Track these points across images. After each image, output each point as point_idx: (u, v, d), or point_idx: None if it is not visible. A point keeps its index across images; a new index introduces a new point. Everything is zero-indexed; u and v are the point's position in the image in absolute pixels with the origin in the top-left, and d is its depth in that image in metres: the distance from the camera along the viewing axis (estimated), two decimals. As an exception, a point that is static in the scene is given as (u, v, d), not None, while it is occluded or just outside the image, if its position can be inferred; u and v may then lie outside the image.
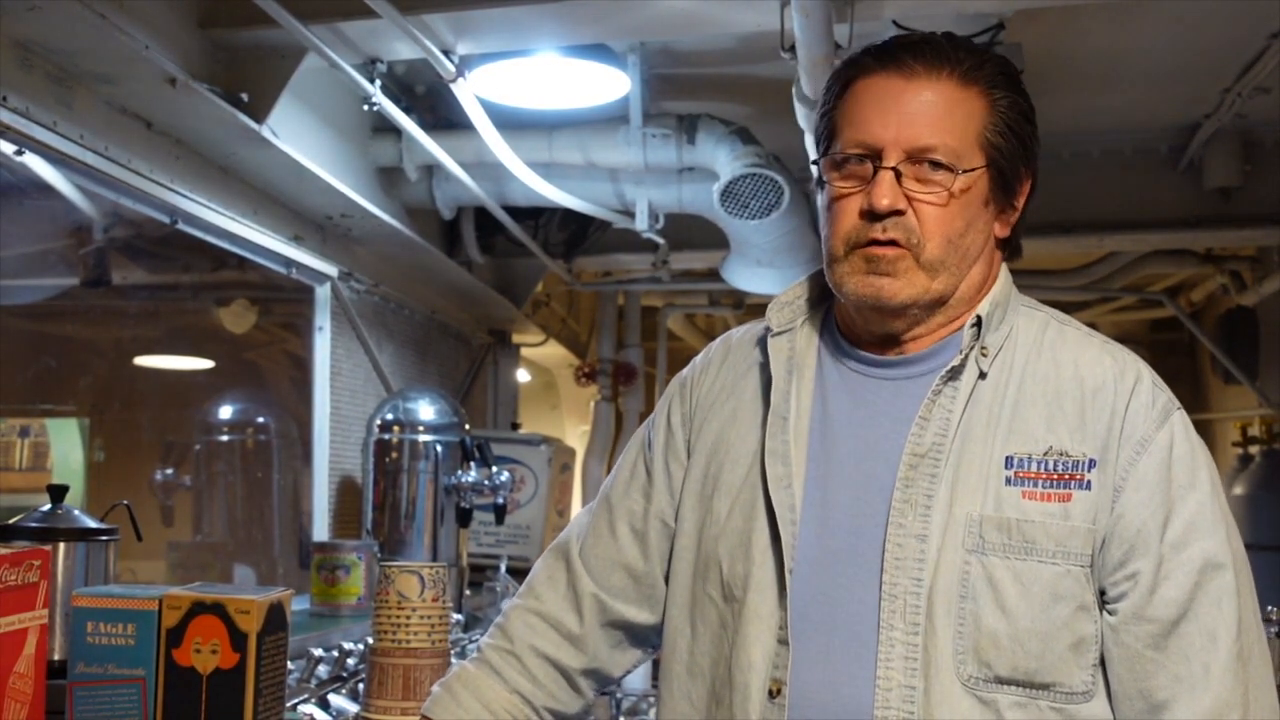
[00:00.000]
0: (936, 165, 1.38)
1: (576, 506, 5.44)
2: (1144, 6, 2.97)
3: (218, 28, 2.59)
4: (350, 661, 2.50)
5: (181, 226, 2.87)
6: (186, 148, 2.78)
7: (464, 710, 1.54)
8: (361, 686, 1.96)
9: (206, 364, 4.60)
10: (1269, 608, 3.14)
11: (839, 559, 1.39)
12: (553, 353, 6.25)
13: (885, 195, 1.37)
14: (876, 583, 1.36)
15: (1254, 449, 5.69)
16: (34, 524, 1.94)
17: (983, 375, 1.41)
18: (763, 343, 1.54)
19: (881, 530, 1.37)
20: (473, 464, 3.46)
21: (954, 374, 1.41)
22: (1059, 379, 1.41)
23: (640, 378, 6.14)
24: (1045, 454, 1.36)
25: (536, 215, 4.31)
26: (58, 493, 2.00)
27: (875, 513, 1.38)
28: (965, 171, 1.38)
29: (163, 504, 4.08)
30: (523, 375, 6.01)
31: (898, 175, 1.38)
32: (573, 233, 4.53)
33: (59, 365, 4.01)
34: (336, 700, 2.32)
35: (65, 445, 3.96)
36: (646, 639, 1.63)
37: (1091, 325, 1.53)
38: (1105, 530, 1.35)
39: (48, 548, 1.56)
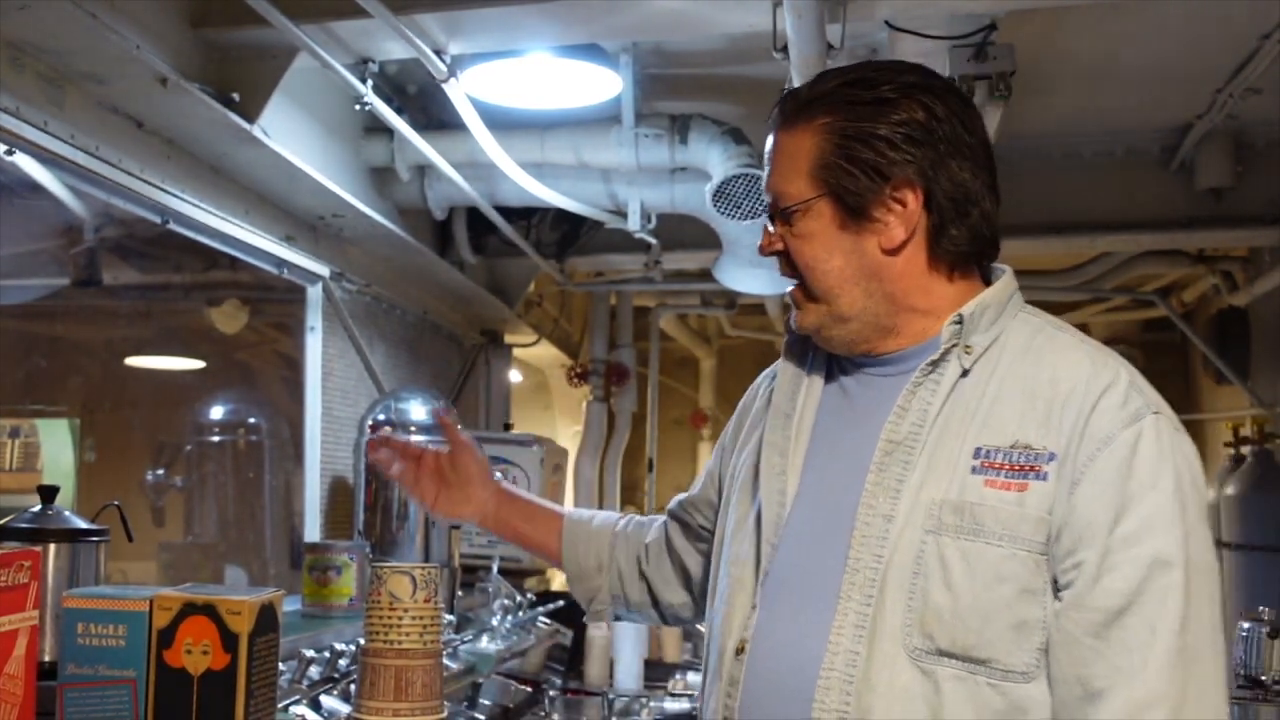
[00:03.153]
0: (782, 209, 1.54)
1: (569, 507, 5.43)
2: (1136, 7, 2.97)
3: (209, 27, 2.58)
4: (342, 662, 2.49)
5: (173, 226, 2.85)
6: (178, 147, 2.78)
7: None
8: (353, 687, 1.96)
9: (198, 364, 4.60)
10: (1260, 608, 3.15)
11: (817, 536, 1.51)
12: (545, 353, 6.24)
13: (761, 241, 1.58)
14: (845, 557, 1.46)
15: (1245, 449, 5.69)
16: (24, 525, 1.93)
17: (965, 373, 1.48)
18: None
19: (856, 510, 1.47)
20: (465, 464, 3.45)
21: (933, 366, 1.49)
22: (1036, 380, 1.46)
23: (633, 378, 6.15)
24: (1011, 446, 1.43)
25: (529, 215, 4.31)
26: (48, 493, 1.99)
27: (853, 495, 1.48)
28: (793, 210, 1.52)
29: (154, 505, 4.07)
30: (515, 375, 6.00)
31: (773, 220, 1.56)
32: (565, 233, 4.53)
33: (50, 365, 4.00)
34: (328, 701, 2.32)
35: (56, 446, 3.96)
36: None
37: (1083, 326, 1.56)
38: (1060, 521, 1.39)
39: (38, 549, 1.55)
